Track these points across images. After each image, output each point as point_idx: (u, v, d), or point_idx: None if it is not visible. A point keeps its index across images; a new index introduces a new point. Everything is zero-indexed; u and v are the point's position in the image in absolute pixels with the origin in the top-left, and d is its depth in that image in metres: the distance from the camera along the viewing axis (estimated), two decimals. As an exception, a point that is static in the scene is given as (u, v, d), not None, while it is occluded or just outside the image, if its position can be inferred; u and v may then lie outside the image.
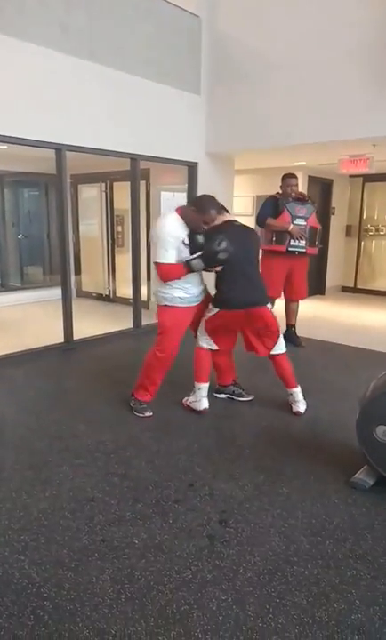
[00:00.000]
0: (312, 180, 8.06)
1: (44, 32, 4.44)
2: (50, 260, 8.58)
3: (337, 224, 8.94)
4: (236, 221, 3.58)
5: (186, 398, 3.74)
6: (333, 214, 8.79)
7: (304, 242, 5.25)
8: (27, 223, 8.59)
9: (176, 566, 2.08)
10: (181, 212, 3.37)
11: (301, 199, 5.37)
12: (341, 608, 1.87)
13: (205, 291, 3.65)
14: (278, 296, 5.37)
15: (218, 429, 3.39)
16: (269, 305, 3.61)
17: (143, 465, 2.92)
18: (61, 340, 5.29)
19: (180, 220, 3.32)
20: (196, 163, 6.31)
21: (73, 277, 6.81)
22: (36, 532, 2.30)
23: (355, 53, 4.92)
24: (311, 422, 3.52)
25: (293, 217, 5.22)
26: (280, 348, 3.65)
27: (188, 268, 3.28)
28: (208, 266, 3.35)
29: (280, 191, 5.42)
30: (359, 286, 9.13)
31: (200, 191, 6.39)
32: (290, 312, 5.61)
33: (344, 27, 4.97)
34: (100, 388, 4.11)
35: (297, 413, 3.63)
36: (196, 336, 3.70)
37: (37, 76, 4.44)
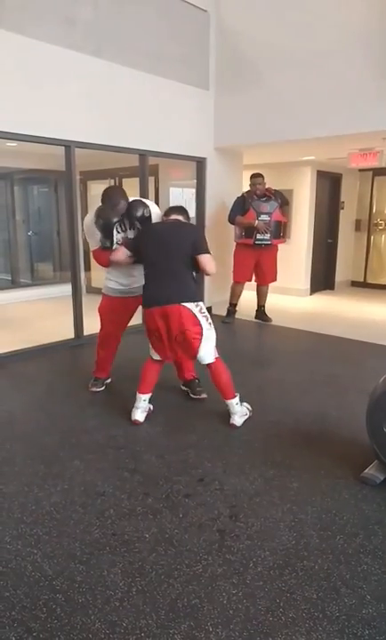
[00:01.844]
0: (321, 174, 8.01)
1: (51, 28, 4.44)
2: (60, 257, 8.61)
3: (346, 218, 8.89)
4: (178, 221, 3.44)
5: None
6: (343, 209, 8.74)
7: (269, 235, 5.98)
8: (36, 220, 8.62)
9: (186, 560, 2.10)
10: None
11: (267, 196, 6.02)
12: (351, 603, 1.88)
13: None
14: (245, 281, 6.27)
15: (227, 425, 3.39)
16: (189, 305, 3.17)
17: (153, 460, 2.93)
18: (72, 335, 5.32)
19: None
20: (204, 158, 6.30)
21: (83, 274, 6.82)
22: (47, 526, 2.32)
23: (364, 46, 4.89)
24: (320, 417, 3.52)
25: (258, 214, 5.92)
26: (206, 356, 3.30)
27: (102, 245, 3.53)
28: (106, 236, 3.50)
29: (250, 189, 6.09)
30: (369, 281, 9.07)
31: (209, 186, 6.40)
32: (260, 294, 6.46)
33: (353, 19, 4.94)
34: (110, 383, 4.13)
35: (232, 425, 3.34)
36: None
37: (44, 73, 4.45)
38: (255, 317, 6.45)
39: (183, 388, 3.90)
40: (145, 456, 2.98)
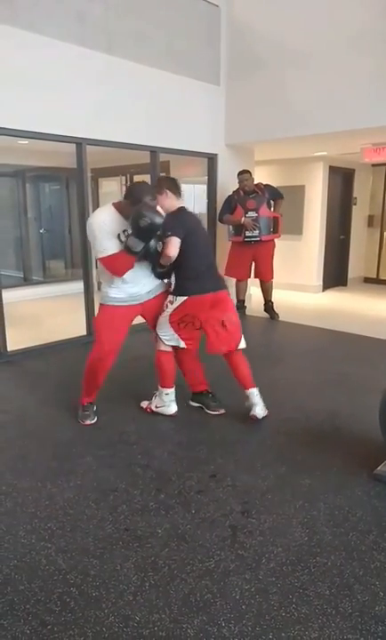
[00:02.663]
0: (333, 169, 7.96)
1: (61, 25, 4.45)
2: (71, 254, 8.65)
3: (359, 214, 8.82)
4: (186, 208, 3.37)
5: (146, 402, 3.58)
6: (355, 204, 8.68)
7: (258, 231, 5.98)
8: (48, 217, 8.67)
9: (199, 555, 2.10)
10: (118, 205, 3.10)
11: (256, 192, 6.00)
12: (364, 599, 1.87)
13: (159, 287, 3.40)
14: (242, 278, 6.34)
15: (239, 421, 3.40)
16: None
17: (165, 456, 2.94)
18: (84, 332, 5.35)
19: (117, 213, 3.06)
20: (215, 154, 6.29)
21: (94, 271, 6.85)
22: (61, 521, 2.34)
23: (375, 39, 4.83)
24: (332, 415, 3.51)
25: (246, 210, 5.94)
26: (242, 343, 3.41)
27: (128, 250, 2.98)
28: (140, 239, 2.94)
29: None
30: (382, 277, 9.00)
31: (220, 183, 6.38)
32: (264, 290, 6.44)
33: (364, 12, 4.89)
34: (122, 379, 4.14)
35: (253, 417, 3.35)
36: (155, 339, 3.44)
37: (56, 70, 4.46)
38: (264, 311, 6.48)
39: (193, 403, 3.63)
40: (157, 452, 2.99)
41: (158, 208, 3.04)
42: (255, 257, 6.19)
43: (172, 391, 3.46)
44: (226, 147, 6.35)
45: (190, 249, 3.20)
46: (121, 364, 4.65)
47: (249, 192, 5.99)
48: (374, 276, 9.10)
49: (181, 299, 3.26)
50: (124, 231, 3.04)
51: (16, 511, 2.42)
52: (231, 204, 6.02)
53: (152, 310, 3.39)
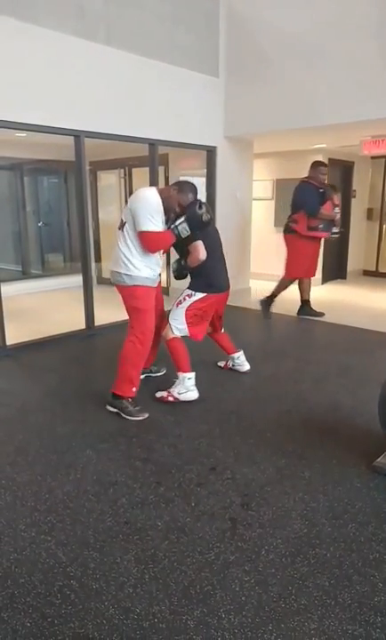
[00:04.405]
0: (332, 162, 7.91)
1: (60, 17, 4.41)
2: (70, 248, 8.64)
3: (358, 207, 8.79)
4: None
5: (164, 393, 3.60)
6: (354, 197, 8.64)
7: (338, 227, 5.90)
8: (47, 211, 8.64)
9: (199, 548, 2.11)
10: (160, 190, 3.30)
11: (326, 186, 5.73)
12: (363, 590, 1.88)
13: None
14: (314, 275, 6.07)
15: (239, 414, 3.40)
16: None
17: (165, 449, 2.95)
18: (83, 326, 5.34)
19: (159, 196, 3.24)
20: (214, 147, 6.25)
21: (93, 264, 6.84)
22: (61, 514, 2.35)
23: (375, 31, 4.80)
24: (333, 407, 3.51)
25: (333, 206, 5.69)
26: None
27: (175, 233, 3.23)
28: (194, 229, 3.26)
29: (309, 178, 5.71)
30: (381, 270, 9.00)
31: (220, 176, 6.36)
32: (308, 288, 6.15)
33: (366, 2, 4.84)
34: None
35: (246, 372, 4.10)
36: (164, 329, 3.62)
37: (54, 62, 4.42)
38: (299, 314, 6.15)
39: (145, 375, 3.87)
40: (157, 445, 2.99)
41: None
42: (318, 253, 6.02)
43: (193, 375, 3.59)
44: (225, 139, 6.32)
45: (210, 249, 3.45)
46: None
47: (321, 186, 5.67)
48: (374, 269, 9.09)
49: (200, 295, 3.56)
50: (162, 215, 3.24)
51: (16, 505, 2.43)
52: (323, 197, 5.62)
53: (158, 295, 3.58)
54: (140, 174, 7.01)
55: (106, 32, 4.77)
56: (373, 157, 8.47)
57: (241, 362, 4.13)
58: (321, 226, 5.68)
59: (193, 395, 3.57)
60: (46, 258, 8.72)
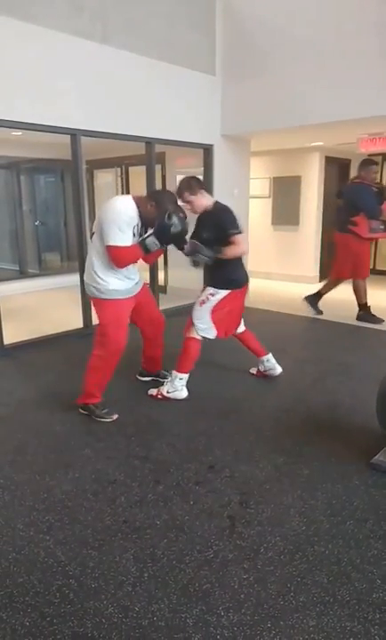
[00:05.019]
0: (329, 160, 7.93)
1: (56, 14, 4.39)
2: (67, 247, 8.62)
3: (356, 205, 8.78)
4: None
5: (155, 390, 3.64)
6: (352, 195, 8.63)
7: None
8: (43, 210, 8.62)
9: (198, 546, 2.11)
10: (137, 200, 3.10)
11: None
12: (362, 587, 1.89)
13: (140, 278, 3.43)
14: (367, 276, 5.76)
15: (237, 412, 3.40)
16: None
17: (164, 447, 2.95)
18: (80, 325, 5.34)
19: (136, 207, 3.05)
20: (211, 145, 6.24)
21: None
22: (60, 513, 2.35)
23: (373, 29, 4.79)
24: (332, 405, 3.51)
25: None
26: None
27: (143, 247, 3.03)
28: (161, 242, 3.05)
29: (361, 178, 5.51)
30: (378, 267, 8.99)
31: (216, 174, 6.35)
32: (364, 290, 5.74)
33: (362, 3, 4.84)
34: (119, 371, 4.13)
35: (277, 375, 3.95)
36: (186, 327, 3.55)
37: (50, 60, 4.41)
38: (358, 319, 5.77)
39: (145, 378, 3.92)
40: (155, 444, 2.99)
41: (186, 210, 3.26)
42: (369, 253, 5.83)
43: (186, 376, 3.57)
44: (222, 137, 6.30)
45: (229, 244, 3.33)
46: (121, 357, 4.64)
47: (375, 185, 5.50)
48: (371, 267, 9.07)
49: (224, 292, 3.46)
50: (135, 226, 3.05)
51: (14, 504, 2.42)
52: (380, 197, 5.43)
53: (140, 300, 3.40)
54: (137, 173, 7.00)
55: (102, 30, 4.76)
56: (370, 155, 8.46)
57: (272, 365, 3.94)
58: (382, 227, 5.51)
59: (181, 394, 3.56)
60: (43, 257, 8.70)
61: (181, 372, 3.56)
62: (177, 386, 3.56)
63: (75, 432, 3.15)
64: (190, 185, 3.37)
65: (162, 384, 3.67)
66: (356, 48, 4.91)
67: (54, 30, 4.37)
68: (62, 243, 8.73)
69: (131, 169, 7.52)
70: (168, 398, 3.56)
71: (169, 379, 3.61)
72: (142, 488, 2.54)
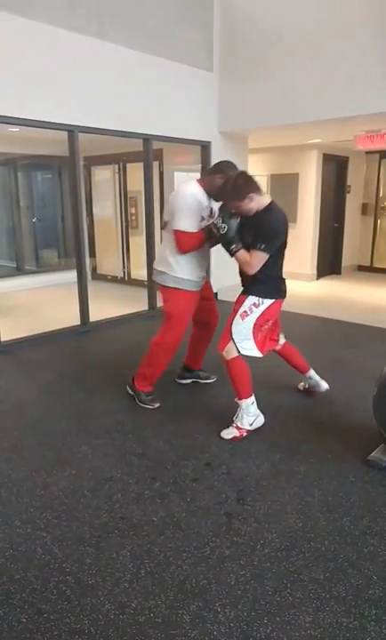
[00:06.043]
0: (327, 157, 7.92)
1: (52, 10, 4.37)
2: (64, 244, 8.60)
3: (353, 202, 8.80)
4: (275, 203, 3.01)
5: (234, 430, 3.04)
6: (349, 192, 8.65)
7: None
8: (41, 206, 8.60)
9: (194, 542, 2.12)
10: (203, 182, 3.15)
11: None
12: (358, 583, 1.89)
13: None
14: None
15: (234, 409, 3.40)
16: None
17: (161, 444, 2.95)
18: (78, 322, 5.33)
19: (203, 191, 3.10)
20: (209, 142, 6.24)
21: (88, 260, 6.82)
22: (57, 510, 2.35)
23: (370, 27, 4.79)
24: (327, 402, 3.52)
25: None
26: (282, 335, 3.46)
27: (209, 236, 3.03)
28: (217, 242, 3.00)
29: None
30: (376, 265, 9.01)
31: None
32: None
33: (359, 2, 4.83)
34: (117, 368, 4.14)
35: (324, 391, 3.57)
36: (222, 348, 3.07)
37: (47, 56, 4.39)
38: None
39: (186, 381, 3.85)
40: (152, 441, 2.99)
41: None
42: None
43: (253, 399, 3.09)
44: (219, 134, 6.30)
45: (282, 250, 2.99)
46: (116, 353, 4.65)
47: None
48: (368, 264, 9.11)
49: (269, 301, 2.98)
50: (204, 208, 3.08)
51: (11, 501, 2.42)
52: None
53: (203, 294, 3.42)
54: (135, 169, 6.99)
55: (98, 25, 4.74)
56: (367, 152, 8.47)
57: (316, 381, 3.55)
58: None
59: (261, 419, 3.10)
60: (41, 254, 8.69)
61: (246, 398, 3.06)
62: (252, 412, 3.06)
63: (71, 429, 3.15)
64: (236, 190, 2.78)
65: (204, 385, 3.69)
66: (352, 46, 4.91)
67: (50, 25, 4.35)
68: (59, 240, 8.71)
69: (128, 165, 7.50)
70: (250, 431, 3.05)
71: (240, 411, 3.06)
72: (139, 485, 2.55)
